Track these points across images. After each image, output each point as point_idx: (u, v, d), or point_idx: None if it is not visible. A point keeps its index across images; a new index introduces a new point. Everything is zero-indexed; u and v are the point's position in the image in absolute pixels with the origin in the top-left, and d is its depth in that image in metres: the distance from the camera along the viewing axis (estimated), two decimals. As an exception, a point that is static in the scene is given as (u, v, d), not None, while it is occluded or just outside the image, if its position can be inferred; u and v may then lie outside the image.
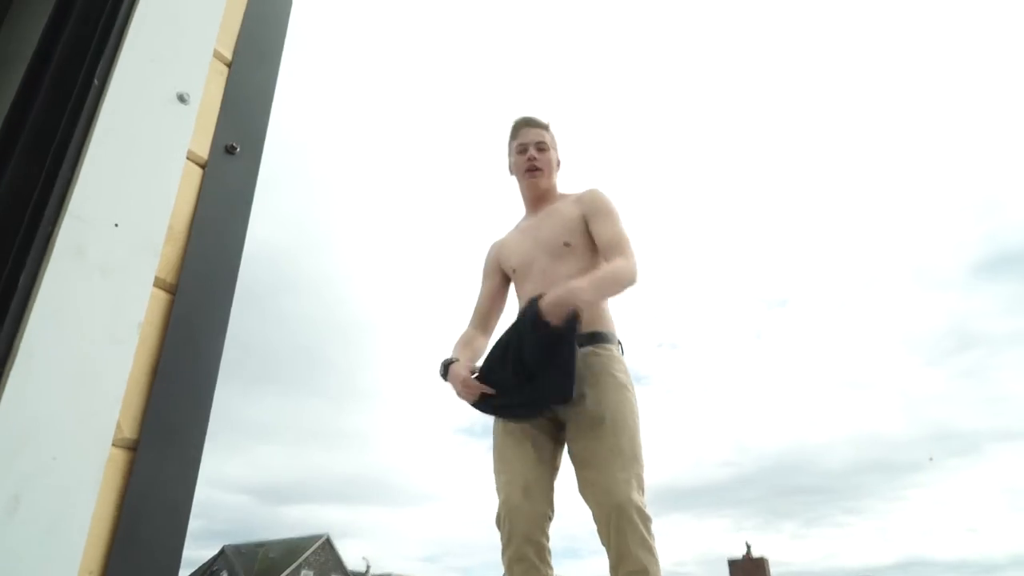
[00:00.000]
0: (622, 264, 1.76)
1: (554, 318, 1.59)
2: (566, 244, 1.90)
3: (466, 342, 1.96)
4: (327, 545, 35.15)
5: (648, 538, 1.58)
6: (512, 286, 2.07)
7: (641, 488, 1.62)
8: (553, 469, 1.78)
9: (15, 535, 0.56)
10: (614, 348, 1.83)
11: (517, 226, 2.13)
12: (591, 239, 1.90)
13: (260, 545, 35.35)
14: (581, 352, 1.71)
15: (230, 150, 0.88)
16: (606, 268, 1.75)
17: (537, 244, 1.95)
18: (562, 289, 1.62)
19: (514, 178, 2.14)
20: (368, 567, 36.73)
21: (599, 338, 1.81)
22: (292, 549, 34.30)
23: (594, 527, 1.64)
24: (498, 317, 2.08)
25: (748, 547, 25.48)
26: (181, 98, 0.81)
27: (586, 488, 1.66)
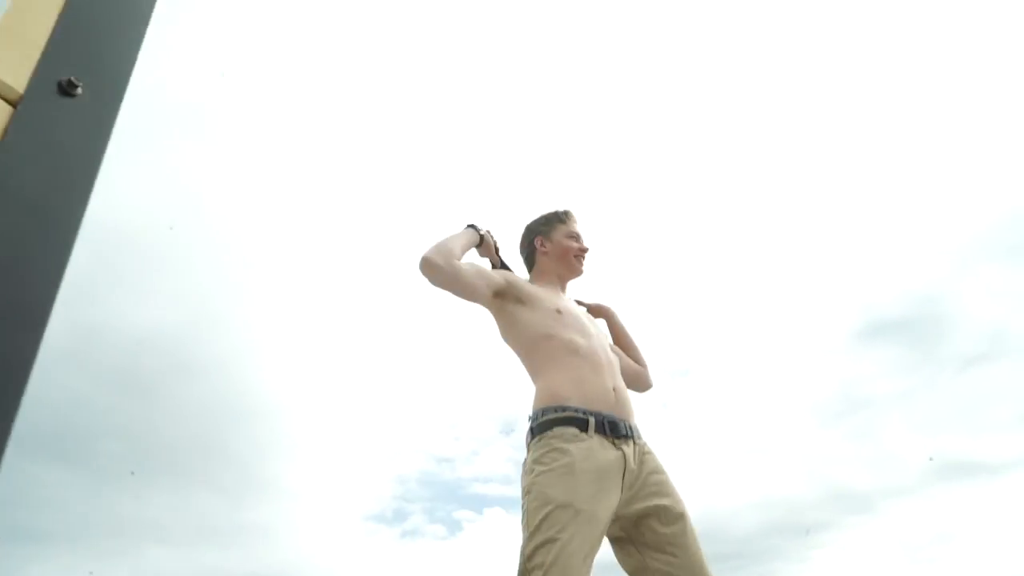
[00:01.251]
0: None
1: None
2: (612, 348, 2.09)
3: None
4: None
5: None
6: (513, 315, 1.91)
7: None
8: None
9: None
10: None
11: (536, 286, 2.06)
12: None
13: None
14: (640, 444, 1.76)
15: (66, 88, 0.57)
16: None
17: (594, 326, 2.02)
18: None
19: (544, 253, 2.15)
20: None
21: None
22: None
23: None
24: (471, 294, 1.86)
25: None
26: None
27: None
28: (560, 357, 1.79)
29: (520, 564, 1.49)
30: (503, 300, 1.92)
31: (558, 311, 1.90)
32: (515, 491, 1.66)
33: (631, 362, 2.14)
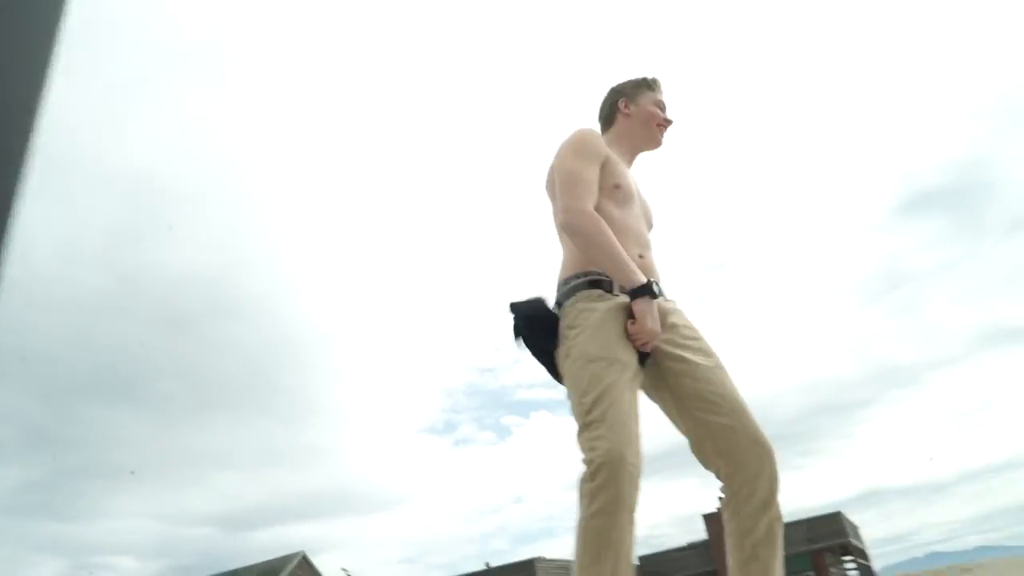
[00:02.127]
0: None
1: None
2: (651, 225, 2.02)
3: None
4: (304, 563, 34.46)
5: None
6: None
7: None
8: None
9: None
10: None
11: (614, 152, 1.97)
12: None
13: (234, 573, 34.43)
14: (668, 302, 1.85)
15: None
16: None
17: (641, 205, 1.99)
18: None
19: (626, 116, 2.06)
20: (348, 577, 36.24)
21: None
22: (267, 572, 33.49)
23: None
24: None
25: (721, 500, 26.37)
26: None
27: (724, 433, 1.62)
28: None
29: (578, 422, 1.57)
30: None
31: (616, 186, 1.85)
32: (559, 394, 1.73)
33: None
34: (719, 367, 1.72)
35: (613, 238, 1.71)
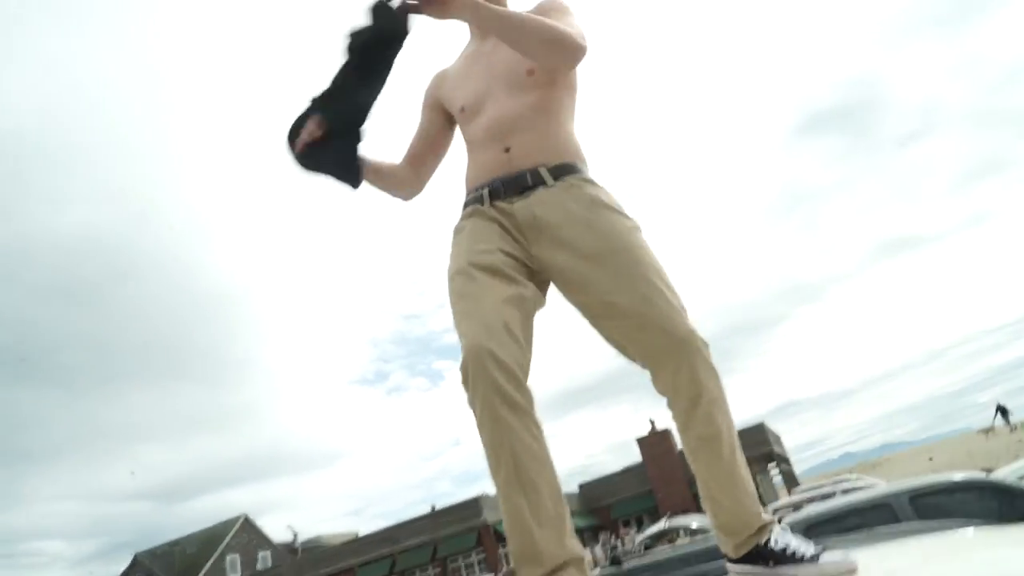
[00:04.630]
0: (554, 24, 1.50)
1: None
2: (529, 72, 1.61)
3: (385, 161, 1.77)
4: (247, 525, 34.21)
5: (716, 370, 1.44)
6: (458, 130, 1.78)
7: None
8: (530, 316, 1.50)
9: None
10: (599, 183, 1.61)
11: (462, 54, 1.81)
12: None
13: (175, 544, 33.83)
14: (558, 184, 1.54)
15: None
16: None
17: (491, 73, 1.66)
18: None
19: None
20: (296, 535, 36.30)
21: (577, 169, 1.59)
22: (210, 539, 33.10)
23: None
24: (434, 163, 1.84)
25: (652, 423, 27.58)
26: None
27: (630, 336, 1.44)
28: (470, 153, 1.70)
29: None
30: (448, 123, 1.82)
31: (462, 110, 1.71)
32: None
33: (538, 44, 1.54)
34: (615, 254, 1.46)
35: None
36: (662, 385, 1.46)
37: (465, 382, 1.37)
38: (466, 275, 1.49)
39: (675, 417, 1.48)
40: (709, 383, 1.42)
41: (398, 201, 1.84)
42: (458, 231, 1.62)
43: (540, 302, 1.56)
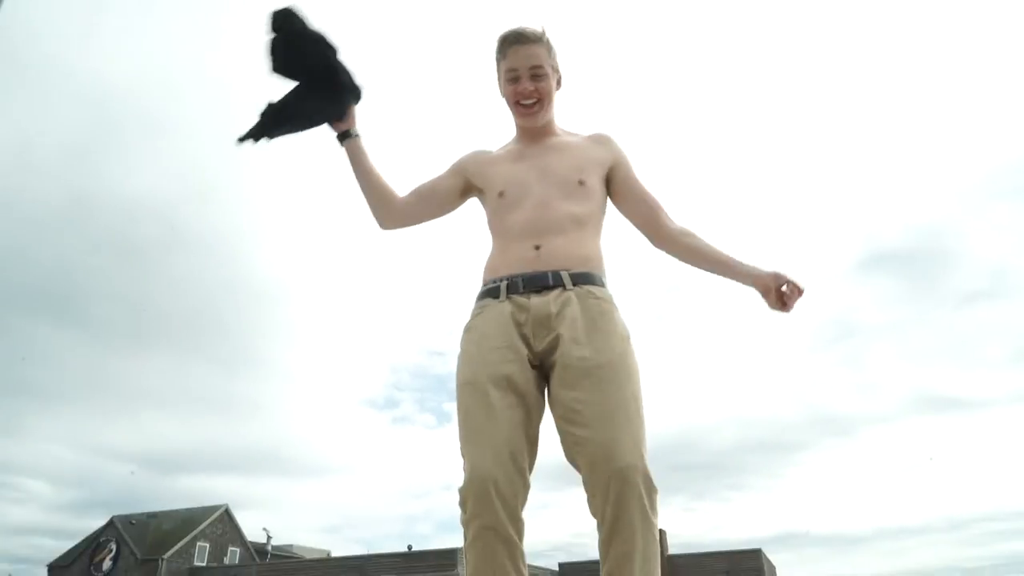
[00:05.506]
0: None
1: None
2: (581, 183, 1.71)
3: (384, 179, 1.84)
4: (226, 516, 34.04)
5: (651, 513, 1.38)
6: (482, 206, 1.84)
7: (647, 454, 1.43)
8: (535, 439, 1.54)
9: None
10: (611, 297, 1.65)
11: (507, 149, 1.86)
12: (601, 185, 1.77)
13: (152, 516, 33.85)
14: (576, 290, 1.58)
15: None
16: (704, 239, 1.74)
17: (543, 175, 1.73)
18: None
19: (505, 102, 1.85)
20: (269, 538, 35.94)
21: (596, 280, 1.64)
22: (188, 520, 33.02)
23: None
24: (425, 212, 1.86)
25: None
26: None
27: (579, 448, 1.44)
28: (497, 240, 1.74)
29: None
30: (473, 194, 1.86)
31: (500, 195, 1.74)
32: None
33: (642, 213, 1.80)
34: (599, 368, 1.49)
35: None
36: (593, 508, 1.44)
37: (464, 505, 1.42)
38: (478, 391, 1.51)
39: (598, 544, 1.43)
40: (638, 533, 1.37)
41: (375, 223, 1.86)
42: (469, 329, 1.65)
43: (542, 408, 1.58)
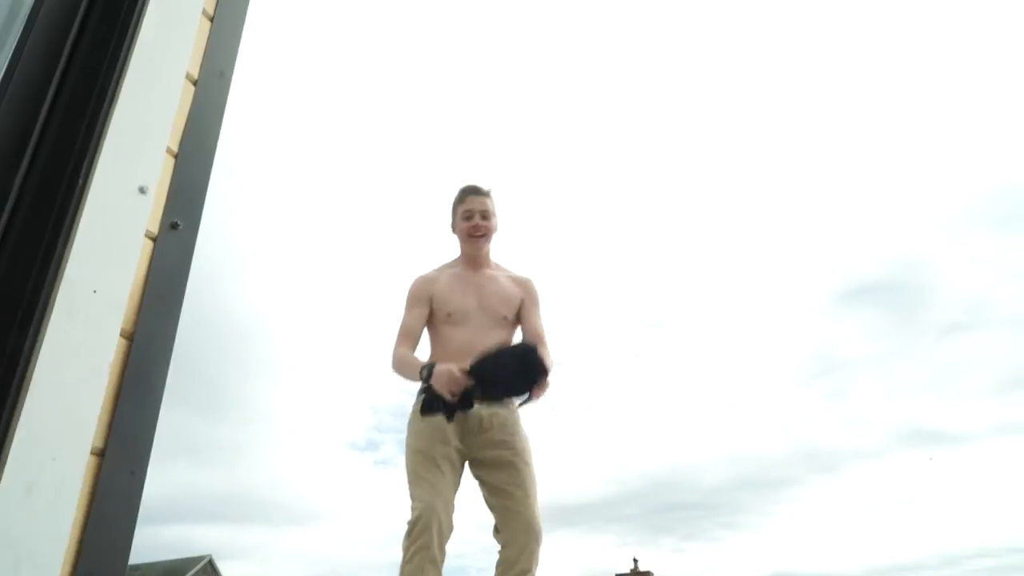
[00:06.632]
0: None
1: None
2: (505, 317, 2.41)
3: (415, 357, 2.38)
4: (209, 568, 33.35)
5: (539, 557, 2.10)
6: (430, 315, 2.43)
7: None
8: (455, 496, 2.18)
9: (29, 513, 0.81)
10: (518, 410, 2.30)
11: (451, 272, 2.49)
12: (515, 317, 2.45)
13: (135, 568, 33.09)
14: (501, 406, 2.27)
15: (174, 226, 1.14)
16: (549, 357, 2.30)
17: (480, 304, 2.39)
18: (546, 356, 2.19)
19: (456, 236, 2.53)
20: (253, 589, 35.09)
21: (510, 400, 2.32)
22: (170, 572, 32.30)
23: (483, 544, 2.12)
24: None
25: (636, 562, 26.47)
26: (142, 190, 1.08)
27: (508, 516, 2.14)
28: (437, 349, 2.41)
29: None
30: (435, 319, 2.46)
31: (448, 315, 2.38)
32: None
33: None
34: (523, 463, 2.21)
35: (411, 360, 2.31)
36: (507, 554, 2.06)
37: (411, 530, 1.99)
38: (429, 460, 2.15)
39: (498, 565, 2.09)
40: (535, 567, 2.06)
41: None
42: (415, 420, 2.31)
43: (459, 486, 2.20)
